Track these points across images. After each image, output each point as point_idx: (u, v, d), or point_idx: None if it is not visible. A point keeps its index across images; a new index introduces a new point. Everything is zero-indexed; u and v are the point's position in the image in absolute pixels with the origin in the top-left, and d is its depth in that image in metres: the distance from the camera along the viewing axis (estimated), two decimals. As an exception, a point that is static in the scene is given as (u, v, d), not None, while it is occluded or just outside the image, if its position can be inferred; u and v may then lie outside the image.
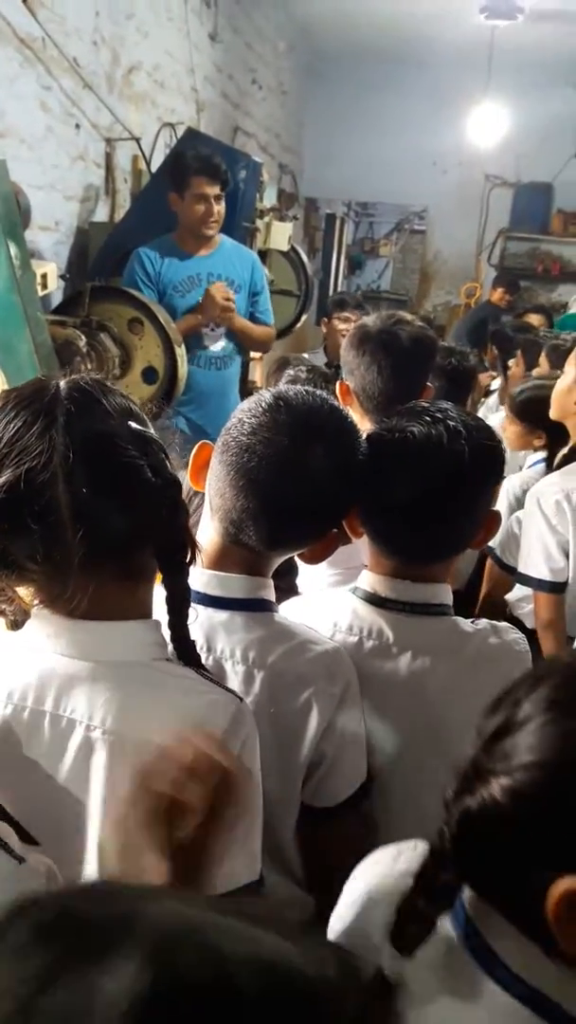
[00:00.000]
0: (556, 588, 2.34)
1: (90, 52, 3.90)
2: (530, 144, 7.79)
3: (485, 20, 6.05)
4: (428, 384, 2.06)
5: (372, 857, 0.92)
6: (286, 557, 1.31)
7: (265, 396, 1.22)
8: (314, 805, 1.26)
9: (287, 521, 1.20)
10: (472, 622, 1.38)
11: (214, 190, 3.36)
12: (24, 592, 1.00)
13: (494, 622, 1.41)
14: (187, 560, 1.04)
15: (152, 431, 1.01)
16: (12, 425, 0.93)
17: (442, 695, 1.30)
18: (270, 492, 1.16)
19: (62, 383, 0.97)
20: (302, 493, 1.17)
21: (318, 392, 1.26)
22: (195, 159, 3.41)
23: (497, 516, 1.41)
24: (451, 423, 1.30)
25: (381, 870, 0.89)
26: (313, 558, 1.31)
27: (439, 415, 1.31)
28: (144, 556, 1.02)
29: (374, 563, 1.38)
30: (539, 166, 8.03)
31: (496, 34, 6.38)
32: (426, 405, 1.36)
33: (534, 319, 5.67)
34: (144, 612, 1.03)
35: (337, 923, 0.91)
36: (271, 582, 1.28)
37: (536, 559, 2.35)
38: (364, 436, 1.32)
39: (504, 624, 1.42)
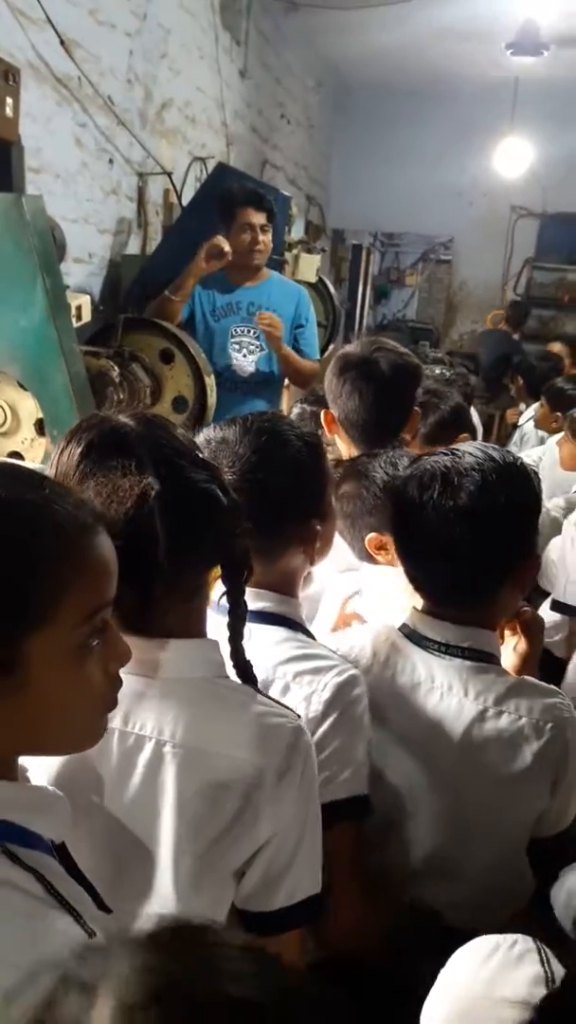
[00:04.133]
0: None
1: (124, 90, 4.00)
2: (556, 175, 7.84)
3: (510, 56, 6.11)
4: (415, 409, 2.06)
5: (463, 954, 0.84)
6: (287, 563, 1.32)
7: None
8: None
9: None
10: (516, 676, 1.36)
11: (260, 219, 3.44)
12: None
13: (535, 681, 1.37)
14: (246, 578, 1.09)
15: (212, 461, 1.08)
16: (103, 465, 0.98)
17: (466, 740, 1.29)
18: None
19: (128, 420, 1.02)
20: (253, 501, 1.19)
21: (240, 416, 1.32)
22: (240, 191, 3.52)
23: (535, 561, 1.39)
24: (464, 468, 1.28)
25: (466, 978, 0.81)
26: (310, 556, 1.33)
27: (451, 462, 1.30)
28: (207, 575, 1.07)
29: (417, 600, 1.39)
30: (565, 197, 8.06)
31: (521, 69, 6.45)
32: (449, 450, 1.34)
33: (556, 347, 5.71)
34: (203, 629, 1.08)
35: None
36: (285, 597, 1.31)
37: (572, 586, 2.36)
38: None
39: (548, 687, 1.37)
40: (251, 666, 1.09)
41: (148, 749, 1.00)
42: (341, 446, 2.00)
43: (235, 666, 1.09)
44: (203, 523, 1.01)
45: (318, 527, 1.31)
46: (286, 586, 1.32)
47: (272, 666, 1.24)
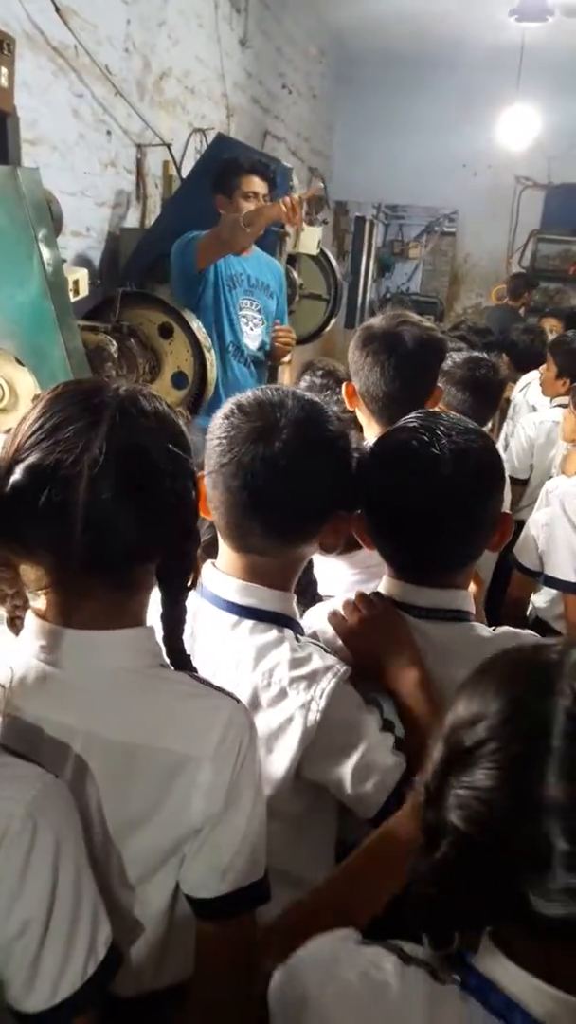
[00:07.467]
0: None
1: (121, 59, 3.94)
2: (561, 146, 7.76)
3: (515, 23, 6.01)
4: (438, 385, 2.04)
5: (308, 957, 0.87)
6: (301, 554, 1.30)
7: (223, 409, 1.24)
8: None
9: (281, 516, 1.21)
10: (493, 629, 1.37)
11: (263, 188, 3.43)
12: (29, 579, 1.01)
13: (515, 629, 1.39)
14: (188, 586, 1.06)
15: (191, 461, 1.02)
16: (59, 414, 0.95)
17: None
18: (255, 496, 1.18)
19: (122, 388, 0.99)
20: (281, 488, 1.18)
21: (280, 388, 1.27)
22: (246, 160, 3.50)
23: (509, 518, 1.39)
24: (440, 444, 1.27)
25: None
26: (329, 547, 1.30)
27: (427, 437, 1.28)
28: (142, 571, 1.02)
29: (390, 569, 1.38)
30: (571, 168, 7.97)
31: (526, 36, 6.35)
32: (416, 424, 1.33)
33: (552, 322, 5.64)
34: (136, 621, 1.04)
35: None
36: (278, 592, 1.27)
37: (563, 562, 2.35)
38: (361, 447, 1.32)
39: (526, 632, 1.40)
40: (184, 652, 1.07)
41: (77, 742, 0.97)
42: (362, 419, 1.99)
43: (169, 656, 1.06)
44: (131, 511, 0.95)
45: (344, 514, 1.29)
46: (284, 577, 1.28)
47: (266, 671, 1.22)
